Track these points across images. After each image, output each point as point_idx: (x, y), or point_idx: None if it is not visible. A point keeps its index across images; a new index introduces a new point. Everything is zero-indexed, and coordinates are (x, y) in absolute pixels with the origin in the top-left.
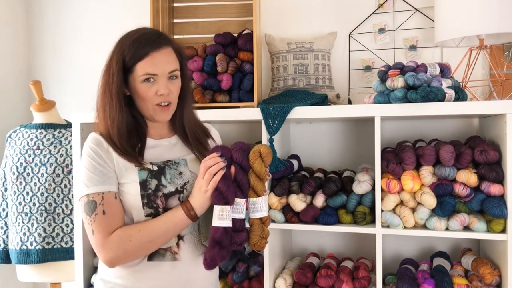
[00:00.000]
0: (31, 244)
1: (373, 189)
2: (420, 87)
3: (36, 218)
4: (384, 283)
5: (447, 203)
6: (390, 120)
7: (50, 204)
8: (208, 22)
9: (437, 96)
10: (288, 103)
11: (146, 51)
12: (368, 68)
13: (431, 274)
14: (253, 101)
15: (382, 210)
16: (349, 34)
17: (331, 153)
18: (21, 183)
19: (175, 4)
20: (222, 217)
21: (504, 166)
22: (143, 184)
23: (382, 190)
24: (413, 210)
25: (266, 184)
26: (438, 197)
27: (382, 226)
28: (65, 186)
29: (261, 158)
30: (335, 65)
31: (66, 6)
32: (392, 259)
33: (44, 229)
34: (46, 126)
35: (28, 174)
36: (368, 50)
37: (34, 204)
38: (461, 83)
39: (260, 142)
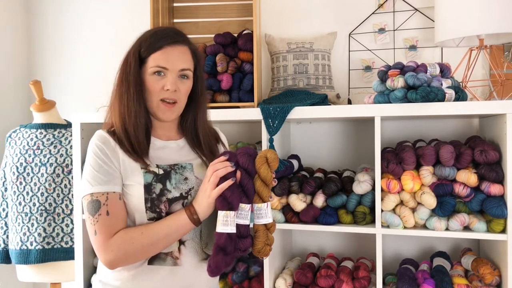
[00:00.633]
0: (31, 244)
1: (373, 189)
2: (420, 87)
3: (36, 218)
4: (384, 283)
5: (447, 203)
6: (390, 120)
7: (50, 204)
8: (208, 22)
9: (437, 96)
10: (288, 103)
11: (161, 44)
12: (368, 68)
13: (431, 274)
14: (253, 101)
15: (382, 210)
16: (349, 34)
17: (331, 153)
18: (21, 183)
19: (175, 4)
20: (226, 223)
21: (504, 166)
22: (148, 188)
23: (382, 190)
24: (413, 210)
25: None
26: (438, 197)
27: (382, 226)
28: (65, 186)
29: (268, 164)
30: (335, 65)
31: (66, 6)
32: (392, 259)
33: (44, 229)
34: (46, 126)
35: (28, 174)
36: (368, 50)
37: (34, 204)
38: (461, 83)
39: (260, 142)
